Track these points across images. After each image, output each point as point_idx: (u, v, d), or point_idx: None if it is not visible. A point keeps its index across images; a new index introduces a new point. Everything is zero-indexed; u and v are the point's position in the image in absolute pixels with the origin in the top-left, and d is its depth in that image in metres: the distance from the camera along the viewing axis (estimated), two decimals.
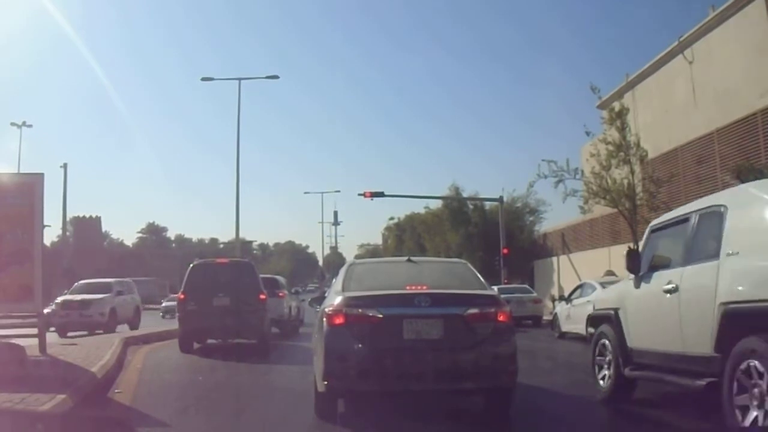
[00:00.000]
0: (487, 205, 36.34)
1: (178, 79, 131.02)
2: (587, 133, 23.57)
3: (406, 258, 7.44)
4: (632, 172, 21.40)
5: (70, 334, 17.89)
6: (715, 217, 5.39)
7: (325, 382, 5.70)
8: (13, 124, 39.26)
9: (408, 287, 6.01)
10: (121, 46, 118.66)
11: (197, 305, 13.03)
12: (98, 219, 71.50)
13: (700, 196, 22.84)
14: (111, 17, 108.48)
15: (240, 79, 30.69)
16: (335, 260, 70.34)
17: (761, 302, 4.47)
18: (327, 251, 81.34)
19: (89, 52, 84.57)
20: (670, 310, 5.65)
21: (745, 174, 16.58)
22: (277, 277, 21.43)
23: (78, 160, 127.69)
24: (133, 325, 20.74)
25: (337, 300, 5.91)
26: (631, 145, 21.47)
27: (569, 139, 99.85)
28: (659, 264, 6.20)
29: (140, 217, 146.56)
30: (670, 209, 22.48)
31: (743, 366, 4.53)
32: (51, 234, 59.80)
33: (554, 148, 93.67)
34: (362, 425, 6.04)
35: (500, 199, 30.70)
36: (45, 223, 12.57)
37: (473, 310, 5.77)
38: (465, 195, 38.58)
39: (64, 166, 37.09)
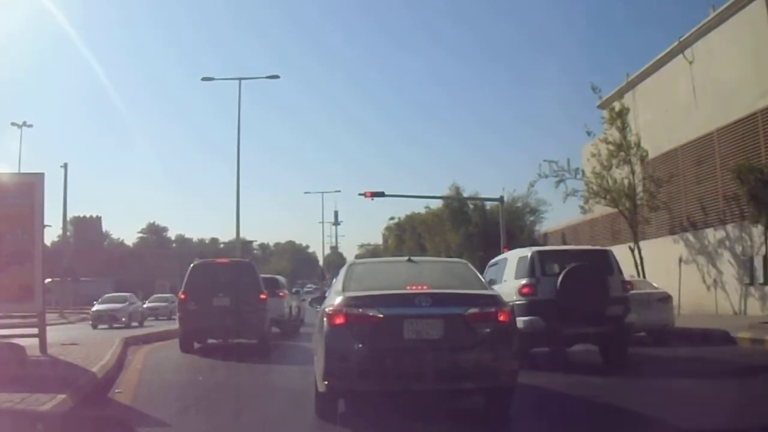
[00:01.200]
0: (488, 205, 36.21)
1: (178, 79, 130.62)
2: (588, 133, 23.65)
3: (406, 258, 7.45)
4: (632, 172, 21.45)
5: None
6: (504, 262, 11.65)
7: (326, 382, 5.70)
8: (13, 124, 39.18)
9: (408, 287, 6.01)
10: (121, 46, 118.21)
11: (197, 305, 13.05)
12: (98, 219, 71.41)
13: (700, 196, 22.81)
14: (111, 17, 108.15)
15: (240, 79, 30.76)
16: (335, 260, 70.42)
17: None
18: (327, 251, 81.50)
19: (89, 52, 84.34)
20: None
21: (745, 174, 16.55)
22: (278, 277, 21.41)
23: (78, 160, 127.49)
24: None
25: (338, 300, 5.91)
26: (631, 145, 21.51)
27: (569, 139, 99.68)
28: (490, 283, 11.08)
29: (140, 217, 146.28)
30: (670, 209, 22.52)
31: None
32: (51, 234, 59.63)
33: (554, 148, 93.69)
34: (362, 425, 6.03)
35: (501, 199, 30.59)
36: (45, 223, 12.52)
37: (474, 310, 5.78)
38: (465, 195, 38.44)
39: (64, 166, 36.88)
